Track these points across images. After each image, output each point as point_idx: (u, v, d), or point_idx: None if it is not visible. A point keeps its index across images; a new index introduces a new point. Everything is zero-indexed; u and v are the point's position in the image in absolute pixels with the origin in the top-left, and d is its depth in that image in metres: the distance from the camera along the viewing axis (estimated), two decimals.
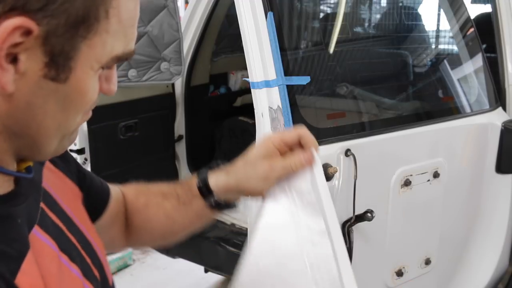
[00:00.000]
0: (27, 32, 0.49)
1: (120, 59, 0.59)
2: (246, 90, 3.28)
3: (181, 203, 0.91)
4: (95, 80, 0.57)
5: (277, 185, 0.84)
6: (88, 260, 0.68)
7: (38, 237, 0.59)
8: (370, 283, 1.91)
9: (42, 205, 0.63)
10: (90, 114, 0.62)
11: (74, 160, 0.82)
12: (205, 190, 0.88)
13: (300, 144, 0.84)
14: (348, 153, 1.67)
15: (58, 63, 0.52)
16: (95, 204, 0.84)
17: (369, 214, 1.67)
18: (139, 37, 2.42)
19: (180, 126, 2.86)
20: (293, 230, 0.81)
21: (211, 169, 0.89)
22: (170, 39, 2.49)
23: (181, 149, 2.87)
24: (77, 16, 0.51)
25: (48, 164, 0.71)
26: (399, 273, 1.94)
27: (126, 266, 3.60)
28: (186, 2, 4.46)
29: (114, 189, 0.93)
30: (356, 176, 1.66)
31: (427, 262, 2.02)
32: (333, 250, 0.81)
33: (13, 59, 0.50)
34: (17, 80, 0.51)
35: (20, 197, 0.58)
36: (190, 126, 2.87)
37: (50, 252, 0.60)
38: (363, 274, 1.80)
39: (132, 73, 2.44)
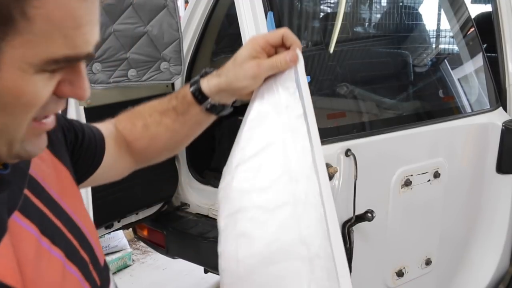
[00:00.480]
0: None
1: (67, 61, 0.56)
2: None
3: (179, 114, 0.95)
4: (36, 82, 0.55)
5: (264, 84, 0.89)
6: (75, 242, 0.70)
7: (17, 222, 0.61)
8: (371, 283, 1.90)
9: (26, 192, 0.64)
10: (50, 121, 0.61)
11: (71, 133, 0.84)
12: (199, 95, 0.92)
13: (284, 45, 0.88)
14: (348, 153, 1.67)
15: None
16: (94, 154, 0.89)
17: (369, 214, 1.66)
18: (139, 37, 2.41)
19: None
20: (275, 116, 0.87)
21: (202, 76, 0.93)
22: (170, 38, 2.49)
23: None
24: None
25: (45, 155, 0.72)
26: (400, 274, 1.94)
27: (126, 266, 3.60)
28: (186, 2, 4.46)
29: (107, 128, 0.96)
30: (357, 176, 1.65)
31: (428, 262, 2.02)
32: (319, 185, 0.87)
33: None
34: None
35: (1, 185, 0.60)
36: None
37: (29, 236, 0.62)
38: (364, 274, 1.80)
39: (131, 73, 2.44)
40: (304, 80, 0.88)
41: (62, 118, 0.83)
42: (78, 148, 0.85)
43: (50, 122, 0.60)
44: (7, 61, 0.52)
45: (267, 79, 0.89)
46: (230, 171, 0.90)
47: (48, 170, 0.73)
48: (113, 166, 0.96)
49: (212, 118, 0.97)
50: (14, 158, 0.60)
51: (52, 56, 0.54)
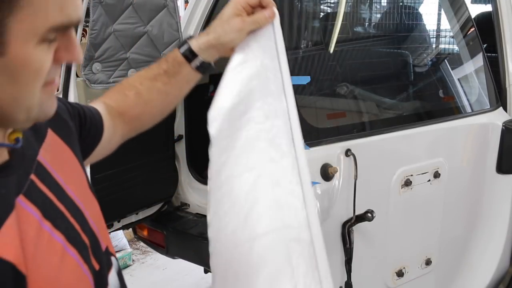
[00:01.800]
0: None
1: (63, 28, 0.63)
2: None
3: (170, 76, 1.04)
4: (39, 52, 0.61)
5: (245, 41, 1.00)
6: (77, 226, 0.74)
7: (22, 206, 0.65)
8: (371, 283, 1.90)
9: (33, 177, 0.69)
10: (55, 85, 0.68)
11: (77, 117, 0.91)
12: (189, 54, 1.02)
13: (261, 6, 1.00)
14: (348, 153, 1.67)
15: None
16: (95, 132, 0.97)
17: (369, 214, 1.66)
18: (139, 37, 2.41)
19: (180, 126, 2.85)
20: (253, 64, 0.98)
21: (189, 39, 1.03)
22: (169, 38, 2.48)
23: (181, 149, 2.86)
24: None
25: (50, 138, 0.78)
26: (400, 274, 1.94)
27: (126, 266, 3.60)
28: (186, 2, 4.46)
29: (98, 106, 1.02)
30: (357, 176, 1.65)
31: (428, 262, 2.02)
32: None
33: None
34: None
35: (9, 169, 0.66)
36: (190, 126, 2.86)
37: (32, 219, 0.66)
38: (364, 274, 1.80)
39: (131, 72, 2.43)
40: (279, 34, 0.99)
41: (67, 103, 0.90)
42: (83, 129, 0.91)
43: (56, 83, 0.68)
44: (14, 34, 0.59)
45: (247, 37, 1.00)
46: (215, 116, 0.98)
47: (56, 155, 0.78)
48: (110, 139, 1.03)
49: (198, 76, 1.07)
50: (33, 121, 0.67)
51: (52, 25, 0.61)
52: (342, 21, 2.04)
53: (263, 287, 0.88)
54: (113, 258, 0.84)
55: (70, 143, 0.83)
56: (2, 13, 0.57)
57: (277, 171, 0.93)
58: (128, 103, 1.05)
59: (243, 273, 0.91)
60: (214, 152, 0.95)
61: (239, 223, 0.92)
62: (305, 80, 1.67)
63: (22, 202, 0.66)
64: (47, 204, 0.70)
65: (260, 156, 0.94)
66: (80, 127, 0.91)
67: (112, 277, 0.81)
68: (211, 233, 0.98)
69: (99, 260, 0.77)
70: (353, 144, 1.70)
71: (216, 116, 0.96)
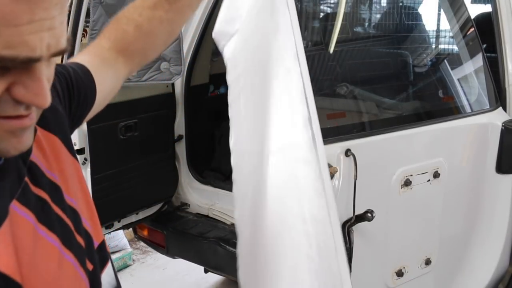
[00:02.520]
0: None
1: (9, 62, 0.53)
2: None
3: (171, 1, 0.97)
4: None
5: None
6: (72, 228, 0.70)
7: (15, 211, 0.62)
8: (370, 283, 1.90)
9: (26, 179, 0.65)
10: (22, 121, 0.58)
11: (67, 94, 0.83)
12: None
13: None
14: (348, 153, 1.67)
15: None
16: (86, 95, 0.88)
17: (369, 214, 1.66)
18: None
19: (180, 126, 2.85)
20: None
21: None
22: None
23: (181, 149, 2.86)
24: None
25: (40, 133, 0.72)
26: (399, 273, 1.94)
27: (126, 266, 3.60)
28: None
29: (93, 61, 0.92)
30: (356, 176, 1.65)
31: (427, 262, 2.02)
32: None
33: None
34: None
35: (2, 174, 0.62)
36: (190, 126, 2.87)
37: (27, 224, 0.63)
38: (363, 274, 1.80)
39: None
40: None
41: (56, 83, 0.82)
42: (72, 103, 0.85)
43: (19, 122, 0.57)
44: None
45: None
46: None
47: (47, 152, 0.73)
48: (112, 89, 0.97)
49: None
50: None
51: None
52: (342, 21, 2.04)
53: (271, 203, 0.91)
54: (106, 254, 0.81)
55: (60, 133, 0.77)
56: None
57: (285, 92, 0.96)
58: (128, 39, 0.97)
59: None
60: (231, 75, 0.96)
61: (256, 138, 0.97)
62: None
63: (16, 207, 0.62)
64: (41, 207, 0.66)
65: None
66: (69, 102, 0.84)
67: (106, 275, 0.79)
68: (233, 159, 0.99)
69: (92, 260, 0.75)
70: (353, 144, 1.70)
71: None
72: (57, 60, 0.61)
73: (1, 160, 0.62)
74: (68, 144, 0.78)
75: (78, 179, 0.78)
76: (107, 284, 0.78)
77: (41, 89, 0.56)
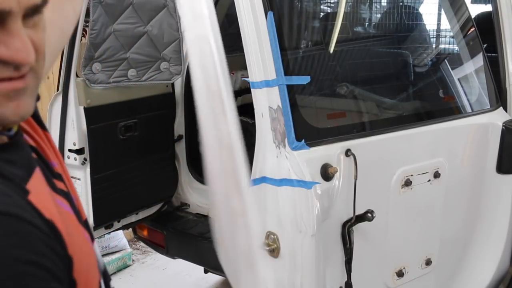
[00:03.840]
0: None
1: None
2: (246, 90, 3.27)
3: None
4: None
5: None
6: (76, 203, 0.74)
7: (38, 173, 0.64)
8: (371, 283, 1.90)
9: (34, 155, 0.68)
10: (13, 83, 0.58)
11: None
12: None
13: None
14: (349, 153, 1.67)
15: None
16: None
17: (369, 214, 1.66)
18: (138, 37, 2.41)
19: (180, 126, 2.85)
20: None
21: None
22: (170, 38, 2.48)
23: (181, 149, 2.86)
24: None
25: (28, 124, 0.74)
26: (400, 274, 1.94)
27: (126, 266, 3.60)
28: None
29: None
30: (357, 176, 1.65)
31: (428, 262, 2.02)
32: None
33: None
34: None
35: (18, 146, 0.64)
36: (190, 126, 2.87)
37: (48, 189, 0.65)
38: (364, 274, 1.80)
39: (131, 73, 2.43)
40: None
41: None
42: None
43: (10, 84, 0.58)
44: None
45: None
46: None
47: (33, 133, 0.74)
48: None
49: None
50: None
51: None
52: (342, 21, 2.04)
53: None
54: (91, 231, 0.82)
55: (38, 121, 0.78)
56: None
57: None
58: None
59: None
60: None
61: None
62: (305, 80, 1.66)
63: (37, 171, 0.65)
64: (53, 184, 0.68)
65: None
66: None
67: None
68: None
69: (90, 234, 0.77)
70: (353, 144, 1.70)
71: None
72: (46, 28, 0.62)
73: (11, 131, 0.64)
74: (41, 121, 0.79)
75: (54, 150, 0.78)
76: (100, 259, 0.79)
77: (22, 44, 0.56)
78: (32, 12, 0.58)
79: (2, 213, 0.54)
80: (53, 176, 0.71)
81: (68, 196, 0.72)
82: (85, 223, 0.79)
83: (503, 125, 2.11)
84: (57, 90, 2.39)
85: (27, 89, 0.60)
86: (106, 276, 0.79)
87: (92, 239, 0.79)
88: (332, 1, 2.41)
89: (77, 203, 0.78)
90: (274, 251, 1.60)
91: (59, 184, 0.71)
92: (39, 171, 0.65)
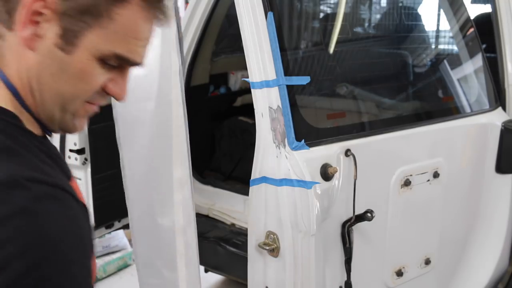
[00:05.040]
0: (48, 6, 0.70)
1: (122, 61, 0.75)
2: (246, 90, 3.27)
3: None
4: (96, 69, 0.74)
5: None
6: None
7: None
8: (370, 283, 1.91)
9: None
10: (93, 109, 0.79)
11: None
12: None
13: None
14: (348, 153, 1.67)
15: (67, 37, 0.72)
16: None
17: (369, 214, 1.67)
18: None
19: None
20: None
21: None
22: None
23: None
24: (84, 6, 0.71)
25: None
26: (399, 273, 1.94)
27: (126, 266, 3.60)
28: (186, 2, 4.46)
29: None
30: (356, 176, 1.66)
31: (427, 262, 2.02)
32: None
33: (36, 23, 0.71)
34: (37, 41, 0.72)
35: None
36: (190, 126, 2.87)
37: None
38: (363, 274, 1.80)
39: None
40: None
41: None
42: None
43: (95, 109, 0.80)
44: (85, 43, 0.72)
45: None
46: None
47: None
48: None
49: None
50: (62, 125, 0.79)
51: (115, 51, 0.74)
52: (342, 21, 2.04)
53: None
54: None
55: None
56: (83, 22, 0.71)
57: None
58: None
59: None
60: None
61: None
62: (305, 80, 1.67)
63: None
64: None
65: None
66: None
67: None
68: None
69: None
70: (352, 144, 1.70)
71: None
72: None
73: (51, 135, 0.82)
74: None
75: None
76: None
77: (125, 87, 0.80)
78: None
79: (52, 185, 0.68)
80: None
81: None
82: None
83: (502, 125, 2.11)
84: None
85: None
86: None
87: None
88: (332, 2, 2.42)
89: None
90: (274, 251, 1.60)
91: (72, 183, 0.82)
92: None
